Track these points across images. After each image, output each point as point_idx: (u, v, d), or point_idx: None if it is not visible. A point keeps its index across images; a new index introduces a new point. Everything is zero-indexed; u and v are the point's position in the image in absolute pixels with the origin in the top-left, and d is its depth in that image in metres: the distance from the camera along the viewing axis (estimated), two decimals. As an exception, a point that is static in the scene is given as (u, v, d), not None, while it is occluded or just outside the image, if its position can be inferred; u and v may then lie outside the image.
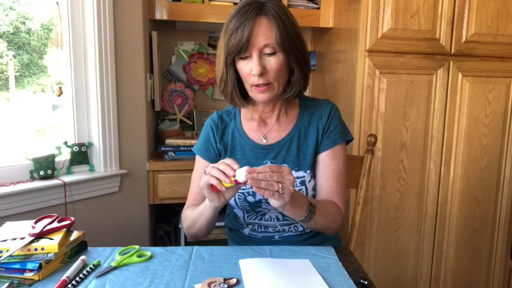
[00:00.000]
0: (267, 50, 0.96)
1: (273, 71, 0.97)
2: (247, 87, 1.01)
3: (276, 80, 0.99)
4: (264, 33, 0.94)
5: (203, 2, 1.89)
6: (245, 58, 0.97)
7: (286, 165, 1.07)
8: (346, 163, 1.10)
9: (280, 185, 0.80)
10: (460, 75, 1.76)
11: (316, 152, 1.09)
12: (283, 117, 1.11)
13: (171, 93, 2.14)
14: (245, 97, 1.05)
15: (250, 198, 1.08)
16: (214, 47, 2.20)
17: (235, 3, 1.91)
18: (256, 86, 0.99)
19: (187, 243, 1.87)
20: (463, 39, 1.71)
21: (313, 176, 1.08)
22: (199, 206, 1.01)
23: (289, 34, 0.97)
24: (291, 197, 0.82)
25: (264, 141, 1.10)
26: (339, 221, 1.04)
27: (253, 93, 1.01)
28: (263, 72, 0.96)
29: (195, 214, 1.02)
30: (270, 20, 0.95)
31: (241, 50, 0.95)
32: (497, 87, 1.81)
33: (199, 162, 1.14)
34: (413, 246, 1.84)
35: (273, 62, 0.97)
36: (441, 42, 1.69)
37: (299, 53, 1.00)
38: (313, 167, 1.09)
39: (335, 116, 1.11)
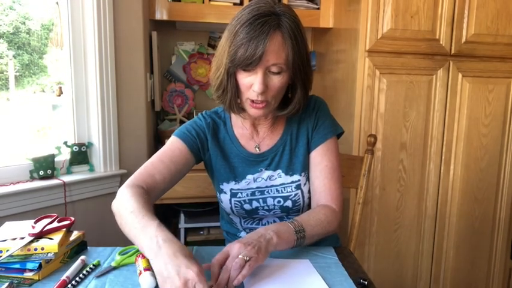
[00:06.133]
0: (274, 69, 0.90)
1: (274, 89, 0.92)
2: (243, 98, 0.96)
3: (274, 98, 0.95)
4: (276, 52, 0.88)
5: (203, 2, 1.89)
6: (249, 70, 0.91)
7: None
8: (339, 158, 1.06)
9: (242, 257, 0.77)
10: (460, 75, 1.76)
11: (309, 152, 1.06)
12: (274, 124, 1.08)
13: (171, 94, 2.14)
14: (242, 106, 1.00)
15: (247, 206, 1.06)
16: (214, 47, 2.20)
17: (235, 4, 1.91)
18: (253, 101, 0.94)
19: (187, 244, 1.87)
20: (463, 39, 1.71)
21: (309, 178, 1.06)
22: (137, 224, 0.79)
23: (301, 55, 0.92)
24: (266, 249, 0.81)
25: (257, 150, 1.06)
26: (336, 222, 1.00)
27: (247, 106, 0.96)
28: (264, 91, 0.91)
29: (129, 223, 0.82)
30: (284, 38, 0.89)
31: (249, 65, 0.89)
32: (497, 87, 1.81)
33: (176, 142, 1.02)
34: (413, 246, 1.84)
35: (276, 81, 0.92)
36: (441, 42, 1.69)
37: (305, 74, 0.96)
38: (307, 169, 1.06)
39: (322, 111, 1.07)
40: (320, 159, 1.04)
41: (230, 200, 1.06)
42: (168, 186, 1.00)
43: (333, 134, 1.07)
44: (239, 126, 1.08)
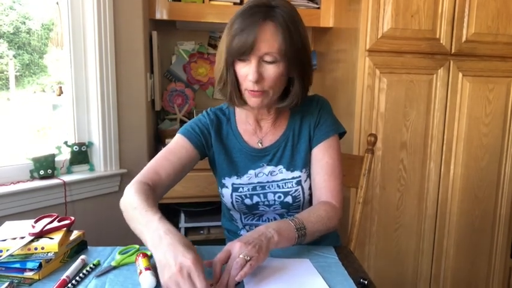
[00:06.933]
0: (268, 58, 0.92)
1: (270, 79, 0.93)
2: (242, 89, 0.98)
3: (271, 88, 0.95)
4: (268, 41, 0.90)
5: (203, 2, 1.89)
6: (244, 61, 0.94)
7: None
8: (340, 156, 1.07)
9: (242, 257, 0.77)
10: (460, 74, 1.76)
11: (310, 149, 1.07)
12: (277, 120, 1.09)
13: (171, 93, 2.14)
14: (243, 97, 1.02)
15: (247, 201, 1.07)
16: (215, 46, 2.20)
17: (235, 3, 1.91)
18: (251, 90, 0.95)
19: (187, 243, 1.87)
20: (463, 38, 1.71)
21: (309, 174, 1.07)
22: (142, 218, 0.81)
23: (294, 45, 0.93)
24: (267, 248, 0.82)
25: (260, 145, 1.08)
26: (336, 219, 1.00)
27: (247, 96, 0.98)
28: (259, 80, 0.93)
29: (134, 219, 0.84)
30: (276, 27, 0.90)
31: (242, 54, 0.91)
32: (497, 86, 1.81)
33: (180, 139, 1.05)
34: (413, 246, 1.84)
35: (271, 71, 0.93)
36: (441, 41, 1.69)
37: (301, 65, 0.96)
38: (309, 166, 1.07)
39: (324, 109, 1.08)
40: (321, 155, 1.05)
41: (231, 194, 1.07)
42: (172, 182, 1.02)
43: (335, 132, 1.07)
44: (243, 121, 1.10)
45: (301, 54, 0.96)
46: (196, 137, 1.06)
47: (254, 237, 0.82)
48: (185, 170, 1.04)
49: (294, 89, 0.99)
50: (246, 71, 0.94)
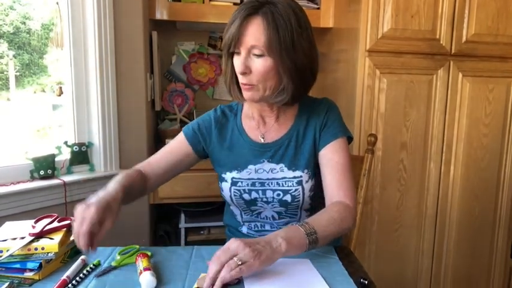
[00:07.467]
0: (255, 51, 0.93)
1: (257, 73, 0.95)
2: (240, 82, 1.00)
3: (260, 83, 0.96)
4: (253, 34, 0.92)
5: (203, 2, 1.89)
6: (238, 54, 0.96)
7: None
8: (350, 158, 1.05)
9: (236, 260, 0.75)
10: (460, 75, 1.76)
11: (316, 151, 1.06)
12: (282, 117, 1.09)
13: (171, 93, 2.14)
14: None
15: (245, 196, 1.07)
16: (215, 47, 2.20)
17: (235, 3, 1.91)
18: (242, 83, 0.98)
19: (187, 243, 1.87)
20: (463, 39, 1.71)
21: (312, 176, 1.06)
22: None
23: (282, 41, 0.92)
24: (268, 257, 0.79)
25: (262, 140, 1.08)
26: (351, 218, 0.97)
27: (242, 89, 1.01)
28: (246, 72, 0.95)
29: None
30: (262, 21, 0.91)
31: (231, 45, 0.94)
32: (497, 87, 1.81)
33: (179, 135, 1.14)
34: (413, 246, 1.84)
35: (259, 65, 0.94)
36: (441, 42, 1.69)
37: (292, 62, 0.95)
38: (311, 167, 1.06)
39: (332, 112, 1.08)
40: (331, 155, 1.04)
41: (230, 188, 1.08)
42: (164, 172, 1.11)
43: (343, 134, 1.06)
44: (248, 117, 1.11)
45: (291, 53, 0.94)
46: (193, 134, 1.12)
47: (258, 242, 0.80)
48: (179, 161, 1.12)
49: (283, 85, 0.99)
50: (237, 64, 0.96)
